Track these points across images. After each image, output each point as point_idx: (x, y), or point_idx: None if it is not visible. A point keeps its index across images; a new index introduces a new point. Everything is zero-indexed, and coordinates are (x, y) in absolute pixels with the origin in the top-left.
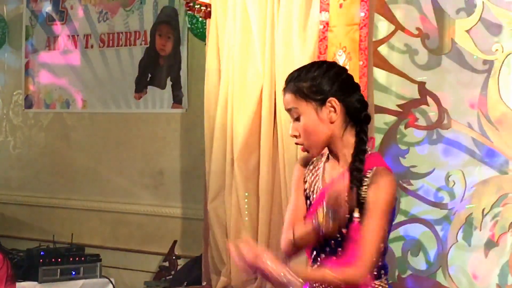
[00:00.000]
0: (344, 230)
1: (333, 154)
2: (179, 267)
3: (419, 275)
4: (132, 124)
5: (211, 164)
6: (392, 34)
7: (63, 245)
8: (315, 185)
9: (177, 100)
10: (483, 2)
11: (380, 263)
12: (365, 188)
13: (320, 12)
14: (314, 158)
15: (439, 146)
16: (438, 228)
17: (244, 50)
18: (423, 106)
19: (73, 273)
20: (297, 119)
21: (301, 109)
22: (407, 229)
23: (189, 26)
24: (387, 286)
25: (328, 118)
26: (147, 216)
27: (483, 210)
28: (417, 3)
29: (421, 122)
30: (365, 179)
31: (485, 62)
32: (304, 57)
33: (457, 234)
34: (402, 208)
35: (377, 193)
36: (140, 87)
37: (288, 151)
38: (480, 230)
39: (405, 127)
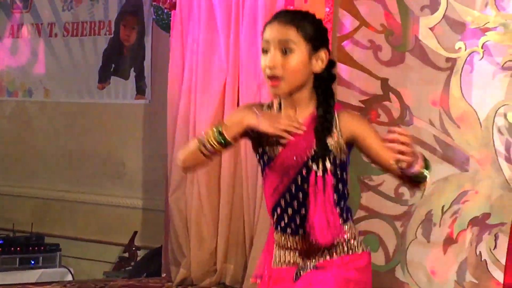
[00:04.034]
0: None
1: (293, 103)
2: (139, 258)
3: (378, 271)
4: (95, 114)
5: (173, 156)
6: (356, 30)
7: (23, 234)
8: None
9: (140, 91)
10: (447, 0)
11: (345, 207)
12: (337, 133)
13: (285, 6)
14: (263, 108)
15: None
16: (397, 224)
17: (208, 42)
18: (386, 102)
19: (32, 262)
20: (284, 52)
21: (296, 46)
22: (367, 224)
23: (154, 17)
24: (353, 225)
25: (313, 66)
26: (108, 206)
27: (443, 207)
28: (382, 0)
29: (383, 118)
30: (332, 126)
31: (447, 60)
32: None
33: (416, 230)
34: (363, 203)
35: (359, 121)
36: (104, 77)
37: (250, 145)
38: (440, 227)
39: None
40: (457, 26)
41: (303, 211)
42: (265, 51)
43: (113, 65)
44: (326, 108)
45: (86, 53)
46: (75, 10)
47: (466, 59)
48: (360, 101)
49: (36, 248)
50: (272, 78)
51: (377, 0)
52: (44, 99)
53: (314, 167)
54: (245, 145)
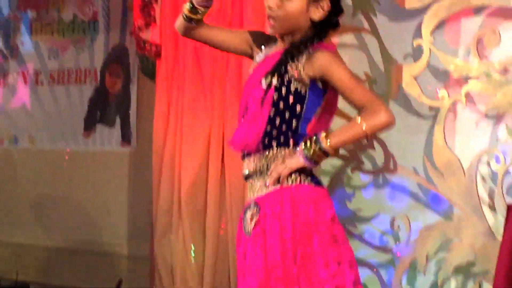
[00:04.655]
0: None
1: (289, 40)
2: None
3: None
4: (80, 161)
5: (159, 203)
6: None
7: (8, 282)
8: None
9: (126, 138)
10: (430, 48)
11: (290, 136)
12: (302, 64)
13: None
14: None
15: (385, 190)
16: (382, 272)
17: (193, 91)
18: (370, 150)
19: None
20: None
21: None
22: None
23: (139, 65)
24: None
25: (312, 14)
26: (93, 253)
27: (427, 255)
28: (365, 48)
29: (368, 166)
30: (302, 57)
31: (431, 108)
32: None
33: (401, 278)
34: None
35: (330, 64)
36: (89, 125)
37: (236, 193)
38: (424, 275)
39: (352, 171)
40: (440, 74)
41: None
42: None
43: (98, 113)
44: (304, 40)
45: (72, 101)
46: (61, 58)
47: (449, 108)
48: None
49: None
50: (269, 18)
51: (361, 48)
52: (29, 146)
53: (263, 82)
54: (230, 193)
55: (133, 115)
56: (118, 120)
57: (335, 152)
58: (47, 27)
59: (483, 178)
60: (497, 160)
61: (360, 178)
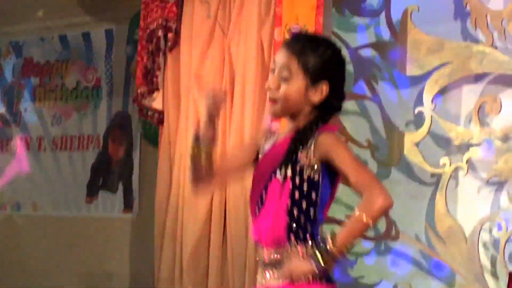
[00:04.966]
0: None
1: (291, 122)
2: None
3: None
4: (83, 228)
5: (160, 270)
6: None
7: None
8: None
9: (128, 205)
10: (431, 115)
11: (309, 229)
12: (310, 149)
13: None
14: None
15: (387, 257)
16: None
17: None
18: None
19: None
20: (283, 78)
21: (294, 76)
22: None
23: (142, 131)
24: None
25: (311, 97)
26: None
27: None
28: (367, 114)
29: (369, 233)
30: (308, 142)
31: (433, 175)
32: None
33: None
34: None
35: (333, 145)
36: (92, 191)
37: (238, 261)
38: None
39: None
40: (442, 142)
41: None
42: (272, 70)
43: (101, 179)
44: (309, 125)
45: (75, 167)
46: (64, 124)
47: (451, 175)
48: (346, 215)
49: None
50: (270, 100)
51: (362, 115)
52: (32, 213)
53: (278, 173)
54: (232, 261)
55: (135, 182)
56: (120, 187)
57: (345, 251)
58: (50, 94)
59: (485, 245)
60: (499, 228)
61: (362, 245)
